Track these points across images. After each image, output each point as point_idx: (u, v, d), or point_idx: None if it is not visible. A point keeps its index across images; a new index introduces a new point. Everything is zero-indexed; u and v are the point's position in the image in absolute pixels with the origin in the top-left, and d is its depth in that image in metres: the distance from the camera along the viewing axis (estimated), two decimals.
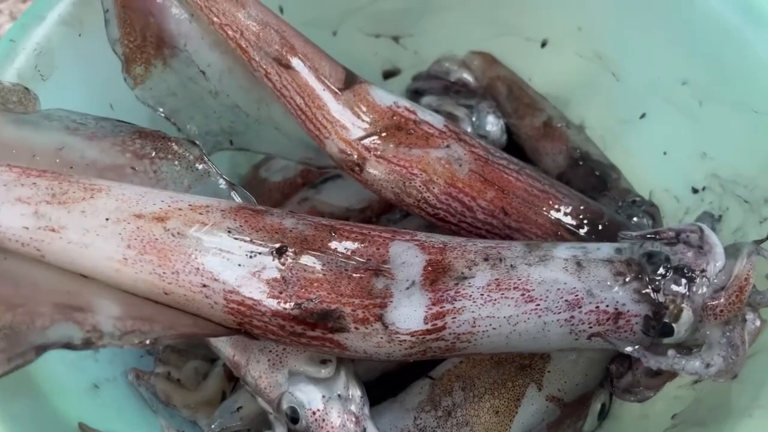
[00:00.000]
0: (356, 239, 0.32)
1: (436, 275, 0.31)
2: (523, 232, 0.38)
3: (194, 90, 0.40)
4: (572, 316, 0.29)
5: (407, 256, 0.31)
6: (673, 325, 0.28)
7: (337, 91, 0.39)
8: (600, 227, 0.38)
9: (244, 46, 0.39)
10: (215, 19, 0.39)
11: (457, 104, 0.48)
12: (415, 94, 0.52)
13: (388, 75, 0.53)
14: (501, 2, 0.48)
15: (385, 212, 0.44)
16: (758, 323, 0.28)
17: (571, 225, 0.38)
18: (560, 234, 0.38)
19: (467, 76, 0.51)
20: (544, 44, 0.49)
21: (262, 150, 0.43)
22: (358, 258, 0.31)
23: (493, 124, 0.48)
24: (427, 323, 0.30)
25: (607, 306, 0.29)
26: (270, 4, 0.39)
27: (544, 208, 0.38)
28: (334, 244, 0.31)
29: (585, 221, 0.38)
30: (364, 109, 0.39)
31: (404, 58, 0.53)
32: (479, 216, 0.38)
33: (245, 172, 0.50)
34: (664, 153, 0.44)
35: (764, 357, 0.30)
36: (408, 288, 0.30)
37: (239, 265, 0.30)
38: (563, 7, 0.47)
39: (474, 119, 0.47)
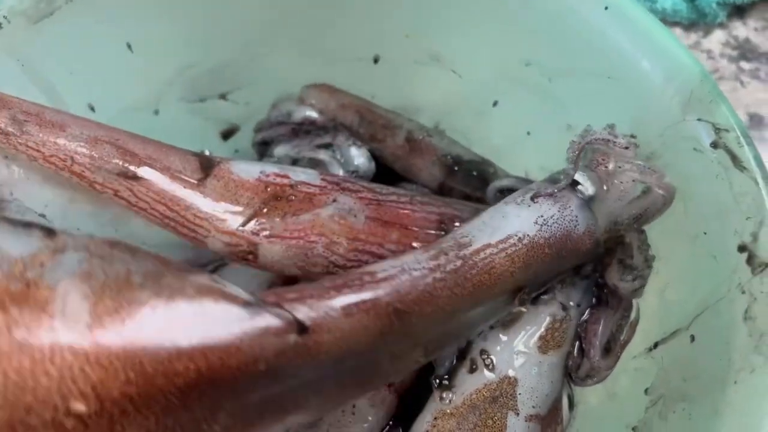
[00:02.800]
0: None
1: None
2: None
3: None
4: None
5: None
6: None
7: (196, 182, 0.36)
8: None
9: (79, 172, 0.34)
10: (35, 153, 0.34)
11: (313, 147, 0.46)
12: (263, 146, 0.49)
13: (227, 135, 0.50)
14: (321, 30, 0.46)
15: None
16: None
17: None
18: None
19: (311, 113, 0.48)
20: (376, 60, 0.48)
21: None
22: None
23: (358, 156, 0.46)
24: None
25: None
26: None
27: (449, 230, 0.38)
28: None
29: None
30: (234, 191, 0.36)
31: (238, 113, 0.49)
32: None
33: None
34: (528, 133, 0.45)
35: (715, 319, 0.31)
36: None
37: None
38: (384, 20, 0.46)
39: (339, 157, 0.45)
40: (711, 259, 0.33)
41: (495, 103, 0.46)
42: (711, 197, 0.33)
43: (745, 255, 0.31)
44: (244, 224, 0.36)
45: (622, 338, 0.37)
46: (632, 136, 0.36)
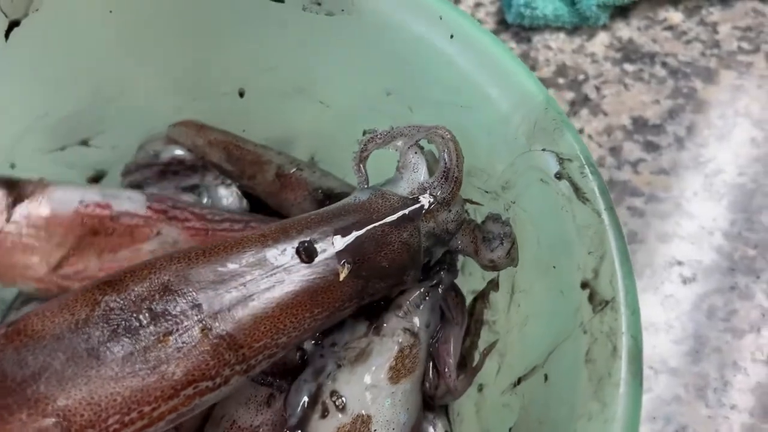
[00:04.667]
0: None
1: None
2: None
3: None
4: None
5: None
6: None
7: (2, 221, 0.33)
8: None
9: None
10: None
11: (179, 189, 0.44)
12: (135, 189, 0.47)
13: (95, 180, 0.48)
14: (183, 66, 0.45)
15: None
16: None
17: None
18: None
19: (179, 152, 0.47)
20: (242, 94, 0.46)
21: None
22: None
23: (227, 196, 0.44)
24: None
25: None
26: None
27: None
28: None
29: None
30: (43, 228, 0.33)
31: (104, 158, 0.47)
32: None
33: None
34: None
35: (563, 359, 0.31)
36: None
37: None
38: (248, 53, 0.44)
39: (206, 199, 0.44)
40: (559, 294, 0.32)
41: (364, 133, 0.44)
42: (558, 230, 0.33)
43: (587, 292, 0.30)
44: (55, 269, 0.34)
45: (474, 364, 0.37)
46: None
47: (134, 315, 0.27)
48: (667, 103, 0.58)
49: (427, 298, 0.36)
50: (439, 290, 0.36)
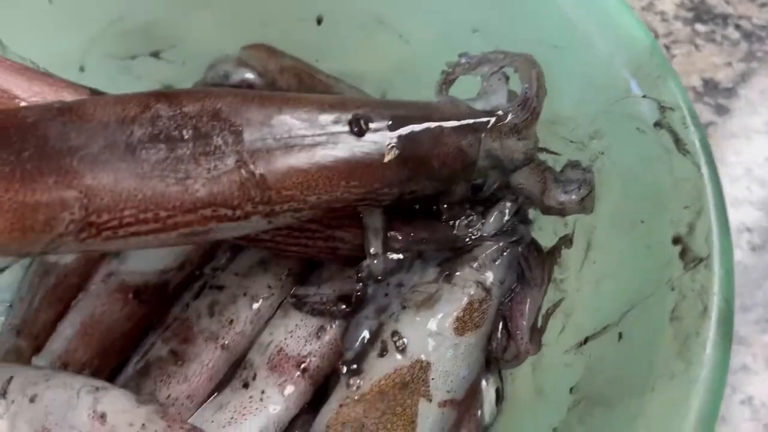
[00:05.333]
0: None
1: None
2: None
3: None
4: None
5: None
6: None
7: None
8: None
9: None
10: None
11: None
12: None
13: None
14: None
15: (206, 262, 0.39)
16: None
17: None
18: None
19: (249, 75, 0.45)
20: (320, 21, 0.44)
21: None
22: None
23: None
24: None
25: None
26: None
27: None
28: None
29: None
30: None
31: (174, 73, 0.46)
32: None
33: (29, 262, 0.42)
34: None
35: (643, 317, 0.28)
36: None
37: None
38: None
39: None
40: (646, 250, 0.30)
41: (442, 72, 0.42)
42: (650, 182, 0.30)
43: (678, 248, 0.28)
44: None
45: (539, 324, 0.35)
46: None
47: (178, 127, 0.28)
48: (739, 66, 0.55)
49: (505, 253, 0.34)
50: (520, 248, 0.34)
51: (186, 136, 0.28)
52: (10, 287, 0.41)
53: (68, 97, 0.33)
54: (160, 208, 0.28)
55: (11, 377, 0.33)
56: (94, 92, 0.34)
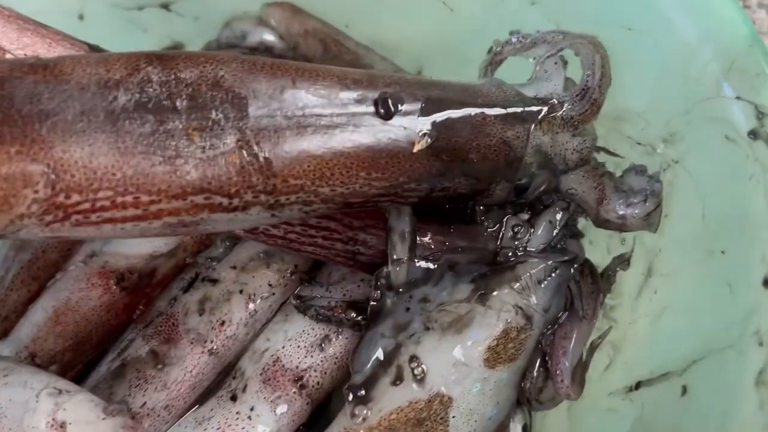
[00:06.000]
0: None
1: None
2: None
3: None
4: None
5: None
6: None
7: None
8: None
9: None
10: None
11: None
12: None
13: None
14: None
15: (201, 249, 0.34)
16: None
17: None
18: None
19: (269, 37, 0.40)
20: None
21: None
22: None
23: None
24: None
25: None
26: None
27: None
28: None
29: None
30: None
31: (184, 28, 0.41)
32: None
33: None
34: None
35: (717, 372, 0.23)
36: None
37: None
38: None
39: None
40: (725, 288, 0.24)
41: (490, 50, 0.37)
42: (738, 204, 0.25)
43: None
44: None
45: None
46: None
47: (171, 96, 0.24)
48: None
49: (553, 275, 0.29)
50: (572, 269, 0.29)
51: (179, 107, 0.24)
52: None
53: (63, 52, 0.29)
54: (142, 191, 0.23)
55: None
56: (94, 49, 0.30)
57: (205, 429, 0.30)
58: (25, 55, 0.29)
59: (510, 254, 0.29)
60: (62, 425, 0.26)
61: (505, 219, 0.30)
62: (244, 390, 0.31)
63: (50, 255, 0.35)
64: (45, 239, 0.26)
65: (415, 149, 0.26)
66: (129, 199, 0.23)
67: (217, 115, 0.24)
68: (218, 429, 0.30)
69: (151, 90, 0.24)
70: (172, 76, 0.24)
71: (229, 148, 0.24)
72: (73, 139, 0.23)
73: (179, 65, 0.24)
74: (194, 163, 0.24)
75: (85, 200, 0.23)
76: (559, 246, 0.29)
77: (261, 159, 0.24)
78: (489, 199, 0.29)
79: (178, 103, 0.24)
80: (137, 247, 0.33)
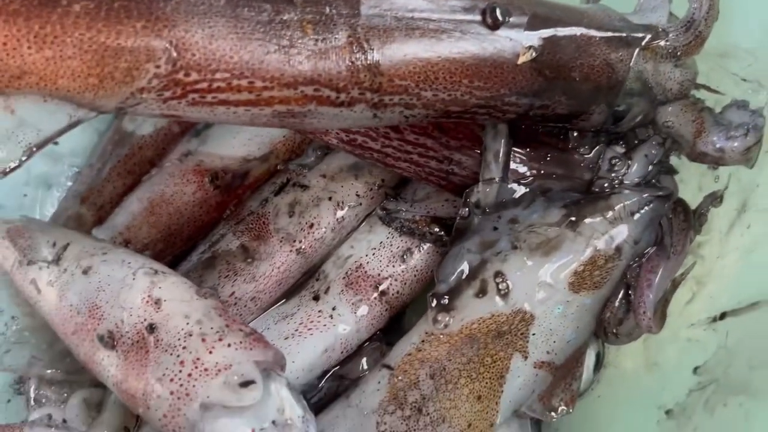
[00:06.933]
0: None
1: None
2: None
3: None
4: None
5: None
6: None
7: None
8: None
9: None
10: None
11: None
12: None
13: None
14: None
15: (293, 157, 0.35)
16: None
17: None
18: None
19: None
20: None
21: None
22: None
23: None
24: None
25: None
26: None
27: None
28: None
29: None
30: None
31: None
32: None
33: (105, 128, 0.39)
34: None
35: None
36: None
37: None
38: None
39: None
40: None
41: None
42: None
43: None
44: None
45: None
46: None
47: None
48: None
49: (647, 208, 0.29)
50: (667, 205, 0.29)
51: None
52: (83, 152, 0.38)
53: None
54: (257, 76, 0.24)
55: (68, 244, 0.30)
56: None
57: (288, 324, 0.31)
58: None
59: (606, 185, 0.29)
60: (157, 302, 0.27)
61: (601, 150, 0.30)
62: (326, 291, 0.32)
63: (146, 152, 0.37)
64: (160, 116, 0.26)
65: (519, 61, 0.26)
66: (244, 83, 0.24)
67: (330, 10, 0.25)
68: (301, 324, 0.31)
69: None
70: None
71: (341, 43, 0.25)
72: (195, 20, 0.23)
73: None
74: (307, 54, 0.24)
75: (203, 79, 0.24)
76: (653, 181, 0.29)
77: (369, 57, 0.25)
78: (585, 123, 0.29)
79: None
80: (232, 150, 0.34)
